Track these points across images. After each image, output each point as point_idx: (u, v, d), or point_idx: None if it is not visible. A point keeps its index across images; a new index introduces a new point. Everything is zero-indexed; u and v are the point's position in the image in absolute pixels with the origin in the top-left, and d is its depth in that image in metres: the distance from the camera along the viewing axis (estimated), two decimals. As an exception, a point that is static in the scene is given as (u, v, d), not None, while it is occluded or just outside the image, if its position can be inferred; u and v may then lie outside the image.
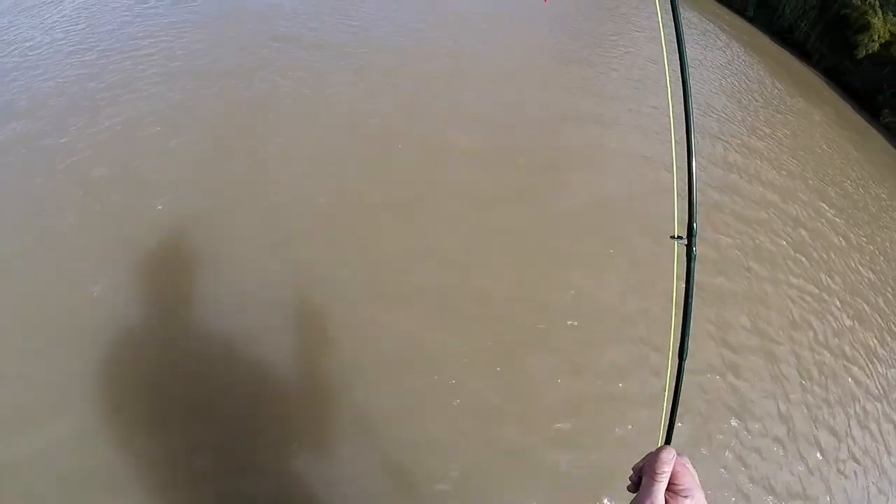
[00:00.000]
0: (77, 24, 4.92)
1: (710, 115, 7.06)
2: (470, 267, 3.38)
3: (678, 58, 0.97)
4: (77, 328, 2.48)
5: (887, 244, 6.51)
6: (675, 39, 0.98)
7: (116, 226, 2.99)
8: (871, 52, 13.28)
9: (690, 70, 0.95)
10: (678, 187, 1.01)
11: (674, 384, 0.94)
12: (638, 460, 0.81)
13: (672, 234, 0.99)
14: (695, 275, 0.95)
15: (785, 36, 15.22)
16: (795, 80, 11.88)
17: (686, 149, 0.95)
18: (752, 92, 9.08)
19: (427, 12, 7.01)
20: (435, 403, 2.63)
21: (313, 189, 3.57)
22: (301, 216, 3.37)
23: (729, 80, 9.22)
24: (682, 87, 0.97)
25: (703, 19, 12.73)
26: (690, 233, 0.96)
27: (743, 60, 10.91)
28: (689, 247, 0.96)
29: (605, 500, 2.51)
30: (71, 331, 2.47)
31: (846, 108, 12.79)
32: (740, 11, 16.10)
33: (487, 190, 4.00)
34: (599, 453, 2.68)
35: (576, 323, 3.25)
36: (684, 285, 0.96)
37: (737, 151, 6.35)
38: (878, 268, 5.74)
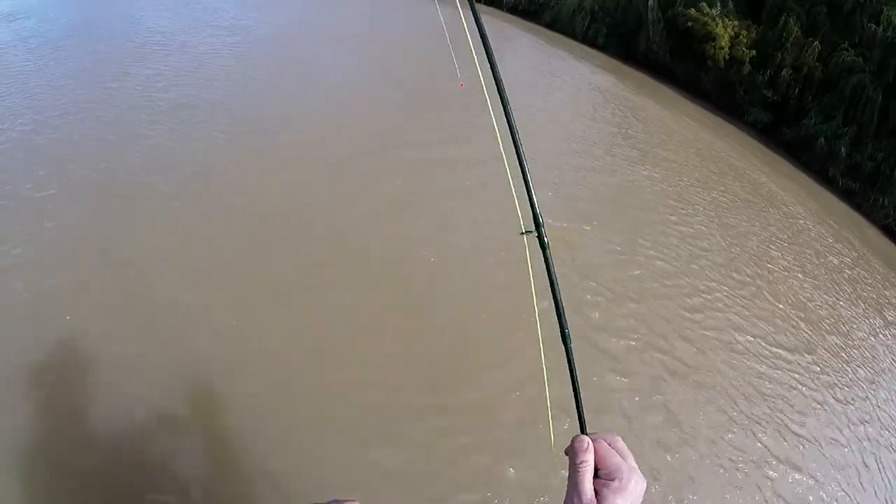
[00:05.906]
0: None
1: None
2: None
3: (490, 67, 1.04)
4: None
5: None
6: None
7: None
8: (723, 57, 15.08)
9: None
10: (514, 187, 1.04)
11: (569, 372, 0.93)
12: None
13: (520, 231, 1.00)
14: (553, 262, 0.96)
15: (639, 59, 17.27)
16: (656, 98, 13.50)
17: (514, 145, 0.99)
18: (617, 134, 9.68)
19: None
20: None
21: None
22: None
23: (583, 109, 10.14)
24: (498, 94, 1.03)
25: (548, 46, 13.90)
26: (538, 224, 0.98)
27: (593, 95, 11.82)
28: (541, 237, 0.98)
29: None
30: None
31: (710, 116, 14.64)
32: (591, 41, 17.63)
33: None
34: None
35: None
36: (547, 276, 0.96)
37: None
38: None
